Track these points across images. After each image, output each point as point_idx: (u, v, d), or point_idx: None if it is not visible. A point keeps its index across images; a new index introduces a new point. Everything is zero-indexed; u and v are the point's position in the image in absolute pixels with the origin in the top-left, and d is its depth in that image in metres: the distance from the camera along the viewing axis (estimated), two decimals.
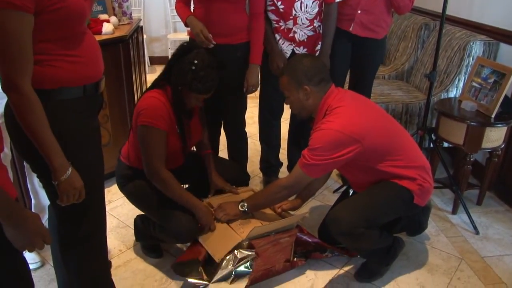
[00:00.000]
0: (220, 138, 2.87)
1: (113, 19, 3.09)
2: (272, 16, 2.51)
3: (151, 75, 2.09)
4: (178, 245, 2.39)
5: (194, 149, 2.41)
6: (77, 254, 1.63)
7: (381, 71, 3.83)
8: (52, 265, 2.14)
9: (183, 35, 5.69)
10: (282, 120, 2.91)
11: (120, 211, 2.73)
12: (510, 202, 2.85)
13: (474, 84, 2.74)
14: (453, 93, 3.10)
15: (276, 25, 2.53)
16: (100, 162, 1.60)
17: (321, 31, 2.56)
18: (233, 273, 2.02)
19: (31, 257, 2.21)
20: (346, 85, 2.95)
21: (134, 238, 2.42)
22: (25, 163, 2.21)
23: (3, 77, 1.25)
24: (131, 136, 2.15)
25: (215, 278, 2.00)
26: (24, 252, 1.26)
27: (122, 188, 2.22)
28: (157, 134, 1.97)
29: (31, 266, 2.16)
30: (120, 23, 3.20)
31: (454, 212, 2.75)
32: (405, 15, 4.02)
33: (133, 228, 2.39)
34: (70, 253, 1.63)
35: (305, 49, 2.56)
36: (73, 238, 1.60)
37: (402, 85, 3.60)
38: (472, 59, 3.01)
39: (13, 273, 1.27)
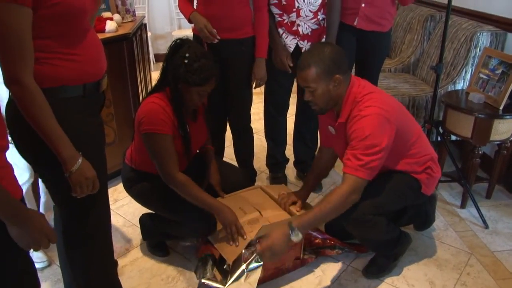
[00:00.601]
0: (226, 134, 2.85)
1: (117, 16, 3.08)
2: (275, 10, 2.49)
3: (156, 73, 2.09)
4: (186, 243, 2.38)
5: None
6: (82, 254, 1.63)
7: (387, 64, 3.79)
8: (59, 265, 2.15)
9: (188, 32, 5.67)
10: (288, 115, 2.88)
11: (126, 210, 2.73)
12: None
13: (481, 75, 2.70)
14: (460, 85, 3.06)
15: (279, 19, 2.51)
16: (101, 162, 1.58)
17: (325, 25, 2.53)
18: (245, 271, 2.01)
19: (38, 257, 2.21)
20: None
21: (140, 237, 2.42)
22: None
23: (4, 71, 1.25)
24: (135, 139, 2.12)
25: (229, 282, 1.98)
26: (30, 252, 1.26)
27: (128, 191, 2.22)
28: (162, 140, 1.94)
29: (38, 266, 2.17)
30: (124, 21, 3.19)
31: (462, 206, 2.72)
32: (410, 7, 3.98)
33: (139, 227, 2.38)
34: (75, 252, 1.63)
35: (309, 43, 2.53)
36: (77, 238, 1.60)
37: (408, 78, 3.56)
38: (479, 50, 2.97)
39: (19, 272, 1.27)
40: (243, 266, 1.96)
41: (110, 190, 2.90)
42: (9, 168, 1.20)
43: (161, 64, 2.06)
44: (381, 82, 3.23)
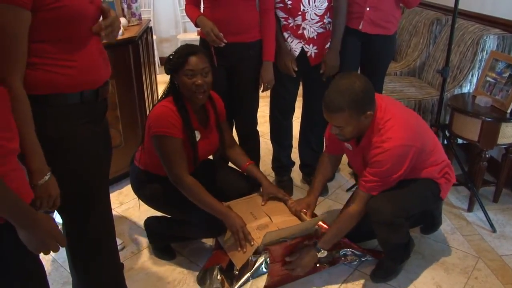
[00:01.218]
0: None
1: (122, 20, 3.08)
2: (281, 14, 2.49)
3: (161, 76, 2.10)
4: (193, 246, 2.38)
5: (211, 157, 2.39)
6: (85, 259, 1.63)
7: (393, 68, 3.78)
8: (64, 267, 2.16)
9: (193, 35, 5.69)
10: (293, 119, 2.88)
11: (132, 213, 2.73)
12: None
13: (488, 79, 2.69)
14: (467, 88, 3.05)
15: (285, 23, 2.51)
16: (99, 168, 1.57)
17: (331, 28, 2.52)
18: (251, 278, 2.00)
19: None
20: None
21: (146, 240, 2.42)
22: None
23: None
24: (145, 142, 2.12)
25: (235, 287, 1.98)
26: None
27: (138, 192, 2.22)
28: (171, 142, 1.96)
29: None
30: (130, 24, 3.20)
31: (469, 209, 2.70)
32: (416, 11, 3.97)
33: (145, 230, 2.38)
34: (79, 258, 1.63)
35: (315, 47, 2.52)
36: (80, 243, 1.59)
37: (414, 82, 3.56)
38: (486, 54, 2.96)
39: (27, 275, 1.27)
40: (248, 274, 1.96)
41: (115, 193, 2.92)
42: (20, 171, 1.20)
43: None
44: (386, 85, 3.22)
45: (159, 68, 5.67)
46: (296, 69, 2.55)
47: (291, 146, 2.97)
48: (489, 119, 2.49)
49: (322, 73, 2.56)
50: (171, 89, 2.06)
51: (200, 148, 2.09)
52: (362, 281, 2.16)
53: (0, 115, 1.13)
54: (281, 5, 2.45)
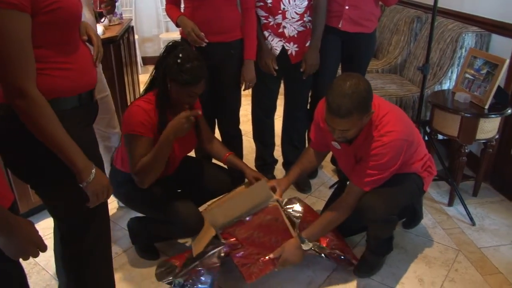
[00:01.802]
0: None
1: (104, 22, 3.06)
2: (261, 12, 2.50)
3: (144, 76, 2.07)
4: (177, 246, 2.38)
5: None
6: (81, 267, 1.59)
7: (374, 65, 3.82)
8: (46, 270, 2.14)
9: (176, 35, 5.66)
10: (275, 117, 2.89)
11: (114, 214, 2.71)
12: (505, 192, 2.86)
13: (467, 75, 2.73)
14: (447, 85, 3.10)
15: (265, 21, 2.52)
16: None
17: (311, 27, 2.54)
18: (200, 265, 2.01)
19: None
20: None
21: (129, 240, 2.41)
22: None
23: (6, 84, 1.18)
24: (122, 142, 2.11)
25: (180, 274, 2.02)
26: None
27: (116, 194, 2.21)
28: (139, 140, 1.93)
29: None
30: (111, 24, 3.18)
31: (450, 204, 2.75)
32: (397, 9, 4.01)
33: (128, 231, 2.37)
34: (75, 266, 1.59)
35: (295, 45, 2.54)
36: (77, 252, 1.56)
37: (395, 79, 3.59)
38: (465, 51, 3.01)
39: (9, 279, 1.25)
40: (197, 262, 2.00)
41: None
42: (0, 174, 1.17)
43: (148, 67, 2.06)
44: None
45: (141, 68, 5.63)
46: (276, 67, 2.56)
47: (273, 144, 2.99)
48: (468, 115, 2.54)
49: (302, 71, 2.58)
50: (162, 91, 1.97)
51: (176, 147, 2.06)
52: (345, 276, 2.18)
53: None
54: (262, 3, 2.46)
